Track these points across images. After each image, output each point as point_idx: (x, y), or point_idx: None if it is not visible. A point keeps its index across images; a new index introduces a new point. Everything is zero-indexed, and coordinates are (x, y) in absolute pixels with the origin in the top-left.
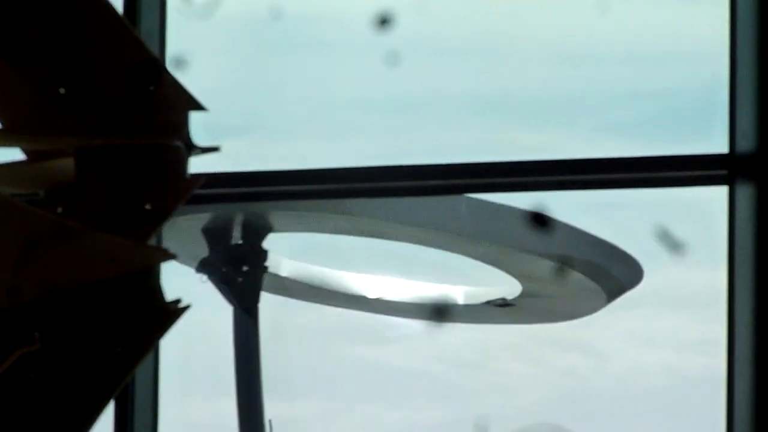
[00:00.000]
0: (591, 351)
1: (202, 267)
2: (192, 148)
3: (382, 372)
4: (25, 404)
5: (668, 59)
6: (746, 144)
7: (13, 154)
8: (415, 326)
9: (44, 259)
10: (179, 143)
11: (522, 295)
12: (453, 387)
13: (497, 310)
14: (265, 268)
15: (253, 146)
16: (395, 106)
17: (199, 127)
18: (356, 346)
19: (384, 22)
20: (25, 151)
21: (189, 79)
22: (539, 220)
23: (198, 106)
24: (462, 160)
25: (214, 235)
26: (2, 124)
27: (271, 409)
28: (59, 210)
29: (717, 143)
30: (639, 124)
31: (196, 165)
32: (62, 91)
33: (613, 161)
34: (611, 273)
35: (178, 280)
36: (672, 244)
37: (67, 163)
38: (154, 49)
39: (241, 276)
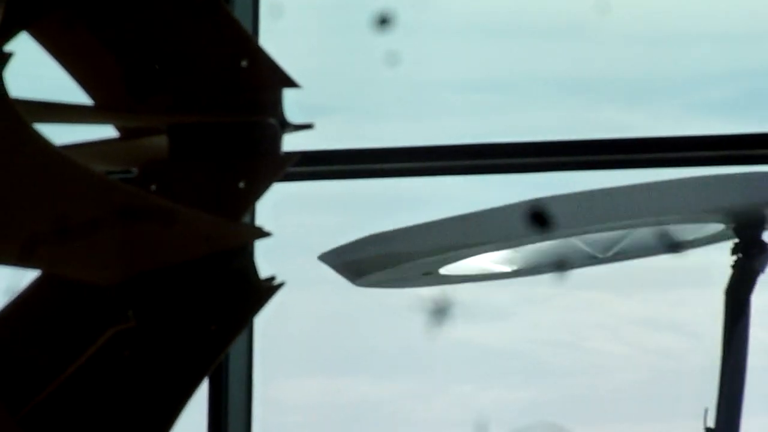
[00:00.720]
0: (685, 330)
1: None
2: (285, 126)
3: (475, 351)
4: (119, 382)
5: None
6: None
7: (106, 132)
8: (509, 304)
9: (138, 237)
10: (273, 120)
11: None
12: (546, 367)
13: None
14: None
15: (345, 125)
16: (486, 86)
17: (292, 105)
18: (449, 324)
19: (384, 21)
20: (118, 128)
21: (282, 57)
22: (538, 220)
23: (291, 83)
24: (556, 138)
25: None
26: (94, 101)
27: (364, 388)
28: (153, 188)
29: None
30: (734, 103)
31: (290, 142)
32: (156, 67)
33: (708, 138)
34: None
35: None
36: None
37: (160, 141)
38: (248, 26)
39: None
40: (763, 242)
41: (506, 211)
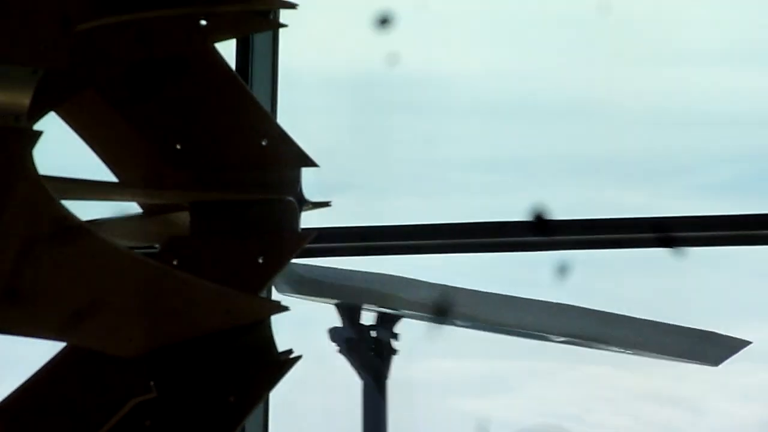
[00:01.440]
0: (687, 405)
1: (334, 336)
2: (303, 203)
3: (483, 424)
4: None
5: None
6: None
7: (130, 208)
8: (515, 378)
9: (161, 310)
10: (291, 198)
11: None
12: None
13: None
14: (396, 351)
15: (360, 203)
16: (496, 166)
17: (310, 183)
18: (459, 398)
19: (384, 22)
20: (141, 204)
21: (300, 135)
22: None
23: (309, 162)
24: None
25: (348, 310)
26: (118, 178)
27: None
28: (175, 263)
29: None
30: (737, 185)
31: (307, 220)
32: (178, 146)
33: (707, 219)
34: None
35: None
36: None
37: (183, 217)
38: (266, 105)
39: (374, 354)
40: None
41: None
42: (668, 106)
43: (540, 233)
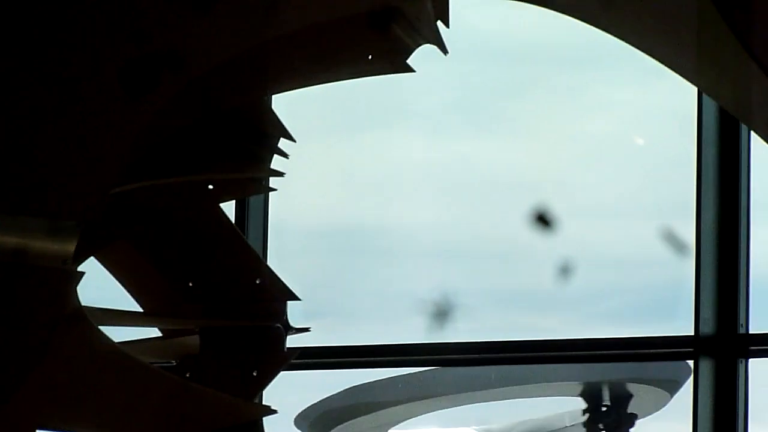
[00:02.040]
0: None
1: None
2: (288, 329)
3: None
4: None
5: (651, 263)
6: (707, 328)
7: (151, 332)
8: None
9: (177, 412)
10: (279, 325)
11: None
12: None
13: None
14: None
15: (333, 326)
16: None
17: (294, 312)
18: None
19: (542, 219)
20: (161, 329)
21: (285, 274)
22: (542, 220)
23: (293, 297)
24: (493, 339)
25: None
26: (143, 308)
27: None
28: (188, 375)
29: (685, 327)
30: (626, 312)
31: (291, 341)
32: (190, 284)
33: (604, 340)
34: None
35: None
36: (677, 245)
37: (194, 340)
38: (259, 251)
39: None
40: None
41: None
42: (569, 251)
43: (543, 226)
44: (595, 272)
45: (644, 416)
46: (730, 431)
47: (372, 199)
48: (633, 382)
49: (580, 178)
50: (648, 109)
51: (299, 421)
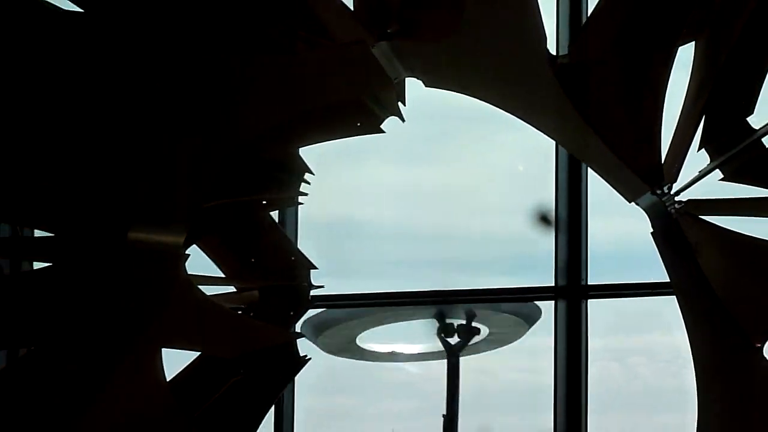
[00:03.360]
0: None
1: None
2: (311, 286)
3: None
4: (230, 408)
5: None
6: (562, 281)
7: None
8: None
9: (244, 336)
10: (305, 284)
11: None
12: None
13: None
14: None
15: (335, 285)
16: None
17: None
18: None
19: (544, 219)
20: (236, 287)
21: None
22: (545, 220)
23: (313, 267)
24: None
25: None
26: (224, 274)
27: None
28: (251, 314)
29: (548, 280)
30: (511, 270)
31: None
32: (252, 260)
33: (488, 289)
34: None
35: None
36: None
37: (255, 294)
38: (293, 238)
39: None
40: None
41: None
42: (484, 233)
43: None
44: (494, 246)
45: (513, 339)
46: (577, 347)
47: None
48: (506, 313)
49: (486, 188)
50: (526, 147)
51: (304, 327)
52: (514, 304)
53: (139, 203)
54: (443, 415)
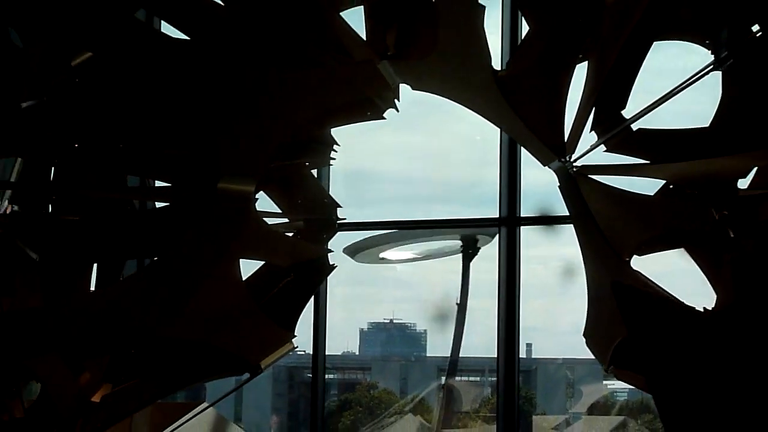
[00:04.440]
0: None
1: None
2: (338, 219)
3: None
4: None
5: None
6: (503, 213)
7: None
8: None
9: (288, 251)
10: (334, 218)
11: None
12: None
13: None
14: None
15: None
16: None
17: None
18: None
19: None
20: (288, 218)
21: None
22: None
23: (339, 206)
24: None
25: None
26: (281, 211)
27: None
28: (298, 237)
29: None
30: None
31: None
32: (299, 201)
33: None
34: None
35: None
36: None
37: (301, 223)
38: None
39: None
40: None
41: None
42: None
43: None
44: (462, 188)
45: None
46: (513, 261)
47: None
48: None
49: (456, 148)
50: (482, 124)
51: (346, 251)
52: (479, 228)
53: (227, 164)
54: (456, 303)
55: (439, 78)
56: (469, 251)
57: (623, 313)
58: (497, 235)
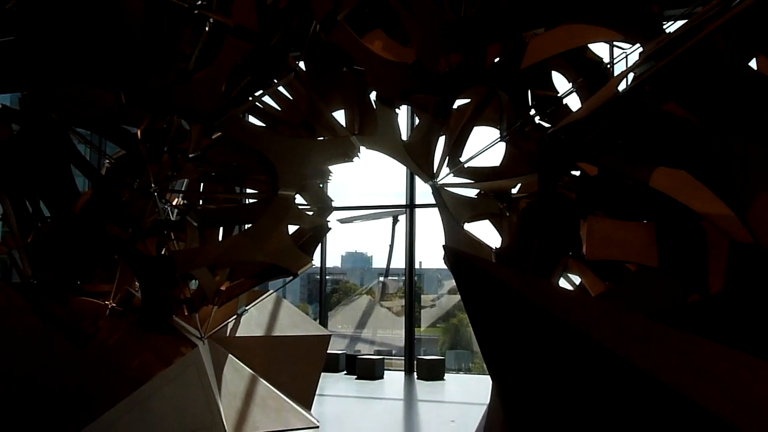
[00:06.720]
0: None
1: None
2: (332, 204)
3: None
4: None
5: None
6: (408, 200)
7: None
8: None
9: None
10: (331, 204)
11: None
12: None
13: None
14: None
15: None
16: None
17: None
18: None
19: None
20: (310, 205)
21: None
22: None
23: (331, 200)
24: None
25: None
26: (306, 201)
27: None
28: (311, 214)
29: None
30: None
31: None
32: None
33: (381, 205)
34: None
35: None
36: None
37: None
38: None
39: None
40: None
41: None
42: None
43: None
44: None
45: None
46: (412, 224)
47: None
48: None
49: (386, 163)
50: (396, 164)
51: (339, 220)
52: (397, 209)
53: (282, 183)
54: (389, 245)
55: (378, 143)
56: (396, 220)
57: (453, 273)
58: (406, 212)
